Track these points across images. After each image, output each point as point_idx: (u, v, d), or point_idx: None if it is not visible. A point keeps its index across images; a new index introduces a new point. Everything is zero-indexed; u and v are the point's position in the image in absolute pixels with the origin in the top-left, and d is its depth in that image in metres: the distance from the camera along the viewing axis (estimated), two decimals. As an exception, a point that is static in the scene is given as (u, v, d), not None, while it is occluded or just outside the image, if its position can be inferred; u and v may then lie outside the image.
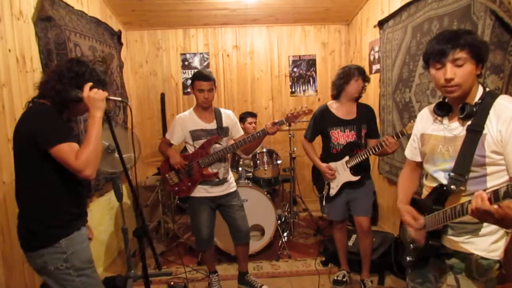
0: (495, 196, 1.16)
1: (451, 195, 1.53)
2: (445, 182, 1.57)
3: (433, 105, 1.67)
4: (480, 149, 1.44)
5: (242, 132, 3.03)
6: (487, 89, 1.52)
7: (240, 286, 3.16)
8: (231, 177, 3.04)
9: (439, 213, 1.52)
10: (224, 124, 2.92)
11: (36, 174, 1.68)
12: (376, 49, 4.10)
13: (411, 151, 1.84)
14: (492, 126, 1.43)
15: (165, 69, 5.12)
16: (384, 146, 2.58)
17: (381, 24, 3.86)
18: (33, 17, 2.56)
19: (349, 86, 2.82)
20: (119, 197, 3.12)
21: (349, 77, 2.81)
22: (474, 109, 1.47)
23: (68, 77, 1.69)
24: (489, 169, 1.46)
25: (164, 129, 4.96)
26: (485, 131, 1.44)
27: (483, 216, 1.22)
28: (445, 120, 1.61)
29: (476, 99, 1.50)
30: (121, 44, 4.35)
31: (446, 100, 1.61)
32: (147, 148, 4.95)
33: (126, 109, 4.27)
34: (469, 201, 1.27)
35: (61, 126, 1.67)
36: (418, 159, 1.79)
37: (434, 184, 1.62)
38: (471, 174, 1.48)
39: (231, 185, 2.99)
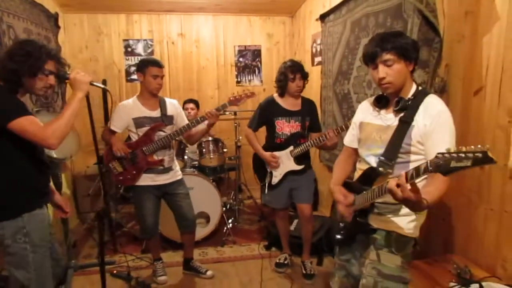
0: (417, 172, 1.31)
1: (379, 177, 1.70)
2: (375, 165, 1.74)
3: (373, 97, 1.85)
4: (408, 138, 1.63)
5: (187, 121, 3.04)
6: (420, 88, 1.71)
7: (185, 272, 3.21)
8: (176, 165, 3.05)
9: (367, 192, 1.69)
10: (169, 113, 2.92)
11: None
12: (318, 41, 4.26)
13: (349, 138, 2.01)
14: (420, 119, 1.62)
15: (107, 55, 4.95)
16: (325, 139, 2.76)
17: (323, 17, 4.02)
18: (-39, -5, 2.37)
19: (289, 86, 2.93)
20: (58, 186, 3.03)
21: (286, 79, 2.91)
22: (407, 103, 1.66)
23: (21, 55, 1.74)
24: (412, 157, 1.66)
25: (106, 116, 4.80)
26: (413, 123, 1.63)
27: (393, 195, 1.40)
28: (383, 111, 1.79)
29: (410, 95, 1.69)
30: (58, 27, 4.14)
31: (385, 94, 1.78)
32: (88, 136, 4.77)
33: (65, 96, 4.09)
34: (387, 182, 1.44)
35: (16, 103, 1.76)
36: (355, 145, 1.96)
37: (366, 167, 1.79)
38: (398, 160, 1.67)
39: (176, 173, 3.01)
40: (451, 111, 1.62)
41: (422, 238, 1.79)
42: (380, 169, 1.69)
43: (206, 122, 2.83)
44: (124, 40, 4.96)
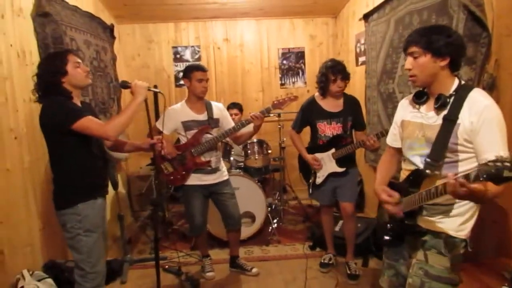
0: (467, 179, 1.25)
1: (426, 178, 1.67)
2: (421, 166, 1.70)
3: (412, 94, 1.82)
4: (454, 137, 1.57)
5: (233, 124, 3.14)
6: (462, 82, 1.66)
7: (232, 269, 3.31)
8: (223, 166, 3.17)
9: (415, 195, 1.65)
10: (215, 116, 3.04)
11: (58, 150, 2.07)
12: (362, 41, 4.23)
13: (391, 137, 1.99)
14: (465, 117, 1.55)
15: (157, 62, 5.21)
16: (365, 145, 2.76)
17: (366, 17, 3.98)
18: (32, 13, 2.65)
19: (330, 87, 2.92)
20: (114, 185, 3.24)
21: (327, 80, 2.91)
22: (448, 100, 1.61)
23: (44, 69, 2.05)
24: (461, 155, 1.60)
25: (157, 120, 5.05)
26: (459, 121, 1.57)
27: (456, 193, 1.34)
28: (423, 109, 1.75)
29: (451, 91, 1.63)
30: (113, 37, 4.43)
31: (425, 90, 1.75)
32: (139, 138, 5.03)
33: (120, 101, 4.37)
34: (444, 184, 1.41)
35: (74, 107, 2.05)
36: (397, 145, 1.94)
37: (411, 167, 1.77)
38: (445, 160, 1.62)
39: (223, 174, 3.12)
40: (501, 109, 1.54)
41: (473, 241, 1.73)
42: (427, 171, 1.65)
43: (251, 124, 2.92)
44: (173, 47, 5.20)
